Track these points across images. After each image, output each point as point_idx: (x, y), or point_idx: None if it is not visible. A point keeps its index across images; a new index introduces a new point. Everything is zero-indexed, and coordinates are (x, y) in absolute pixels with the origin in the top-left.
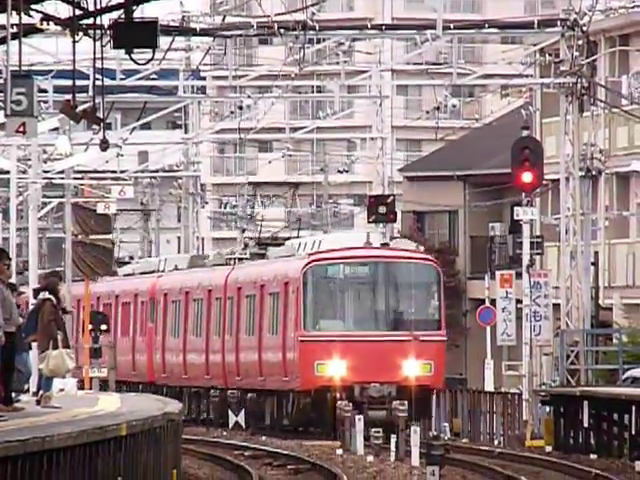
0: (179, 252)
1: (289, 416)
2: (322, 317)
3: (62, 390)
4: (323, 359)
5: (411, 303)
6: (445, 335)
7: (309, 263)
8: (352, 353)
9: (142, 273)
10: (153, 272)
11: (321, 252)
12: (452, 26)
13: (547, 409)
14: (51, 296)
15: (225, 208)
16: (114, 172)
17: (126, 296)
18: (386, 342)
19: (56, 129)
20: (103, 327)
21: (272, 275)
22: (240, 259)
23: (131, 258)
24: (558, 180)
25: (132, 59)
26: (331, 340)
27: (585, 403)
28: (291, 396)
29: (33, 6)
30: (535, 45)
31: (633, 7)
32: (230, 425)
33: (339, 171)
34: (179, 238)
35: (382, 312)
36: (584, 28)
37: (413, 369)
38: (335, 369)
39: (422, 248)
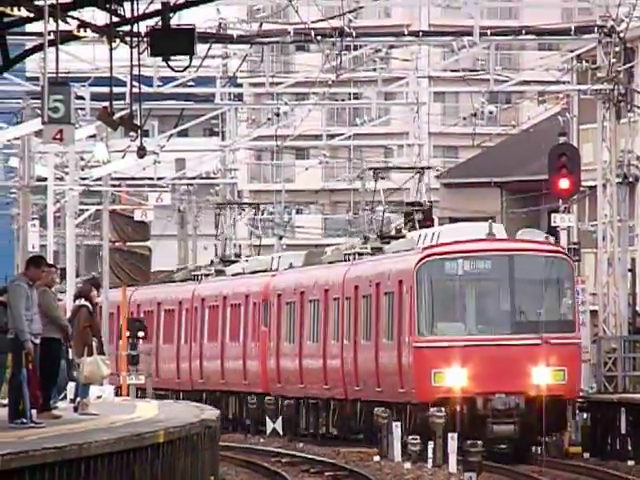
0: None
1: (407, 431)
2: (439, 320)
3: (100, 397)
4: (441, 367)
5: (541, 302)
6: (580, 338)
7: (423, 258)
8: (474, 360)
9: (253, 272)
10: (265, 271)
11: (437, 246)
12: (489, 32)
13: (585, 416)
14: (87, 303)
15: (262, 215)
16: (151, 179)
17: (236, 297)
18: (512, 347)
19: (93, 136)
20: (140, 334)
21: (387, 272)
22: (360, 254)
23: (237, 256)
24: (595, 187)
25: (169, 66)
26: (449, 346)
27: (622, 410)
28: (408, 409)
29: (70, 13)
30: (572, 52)
31: None
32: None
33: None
34: (216, 245)
35: (507, 312)
36: (621, 34)
37: (544, 377)
38: (455, 378)
39: (552, 239)
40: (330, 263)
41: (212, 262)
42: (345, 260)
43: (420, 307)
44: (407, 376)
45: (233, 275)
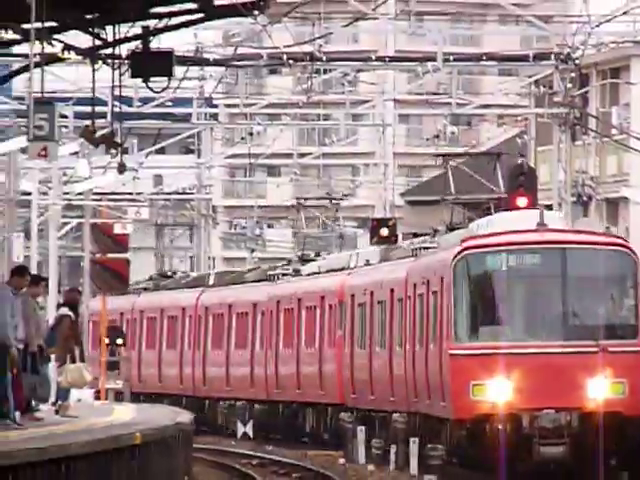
0: (192, 271)
1: (446, 451)
2: (480, 324)
3: (79, 400)
4: (481, 379)
5: (599, 303)
6: None
7: (461, 252)
8: (519, 371)
9: (329, 271)
10: (342, 270)
11: (477, 237)
12: (452, 58)
13: None
14: (70, 312)
15: (235, 229)
16: (130, 194)
17: (310, 299)
18: (565, 355)
19: (76, 153)
20: (119, 341)
21: (434, 269)
22: (427, 248)
23: (317, 255)
24: (551, 205)
25: (148, 87)
26: (492, 354)
27: None
28: (448, 426)
29: (55, 36)
30: (530, 77)
31: (623, 42)
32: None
33: (344, 195)
34: (191, 258)
35: (560, 316)
36: (577, 61)
37: (601, 390)
38: (497, 392)
39: (613, 230)
40: (398, 259)
41: (289, 261)
42: (413, 255)
43: (458, 308)
44: (445, 389)
45: (308, 275)
